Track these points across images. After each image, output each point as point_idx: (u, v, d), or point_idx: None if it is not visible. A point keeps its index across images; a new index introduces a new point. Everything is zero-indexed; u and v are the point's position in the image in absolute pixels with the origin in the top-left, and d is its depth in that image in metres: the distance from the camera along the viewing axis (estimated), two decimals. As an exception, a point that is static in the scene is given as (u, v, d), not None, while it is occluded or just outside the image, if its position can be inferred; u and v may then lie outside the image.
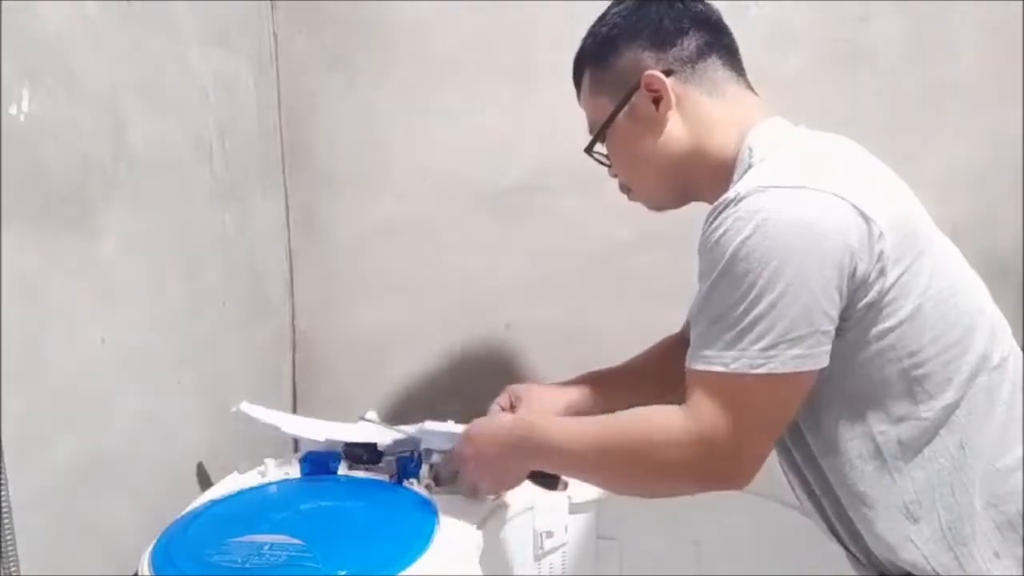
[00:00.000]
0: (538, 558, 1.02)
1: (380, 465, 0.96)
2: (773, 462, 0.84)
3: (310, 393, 1.39)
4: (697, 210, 0.79)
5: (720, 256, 0.66)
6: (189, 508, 0.87)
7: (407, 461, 0.93)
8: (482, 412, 0.95)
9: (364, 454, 0.97)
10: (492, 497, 0.90)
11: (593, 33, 0.84)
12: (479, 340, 1.35)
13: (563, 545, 1.03)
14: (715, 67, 0.80)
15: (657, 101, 0.79)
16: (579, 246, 1.31)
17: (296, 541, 0.76)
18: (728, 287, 0.66)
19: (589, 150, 0.86)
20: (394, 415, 1.34)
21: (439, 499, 0.88)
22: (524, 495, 0.93)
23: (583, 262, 1.32)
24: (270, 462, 0.97)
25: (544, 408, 0.95)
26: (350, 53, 1.29)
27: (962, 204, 1.24)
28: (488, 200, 1.31)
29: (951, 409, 0.70)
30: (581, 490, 1.00)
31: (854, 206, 0.65)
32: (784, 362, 0.64)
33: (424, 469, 0.92)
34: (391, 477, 0.94)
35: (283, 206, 1.34)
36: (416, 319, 1.35)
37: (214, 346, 1.08)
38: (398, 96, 1.30)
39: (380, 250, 1.34)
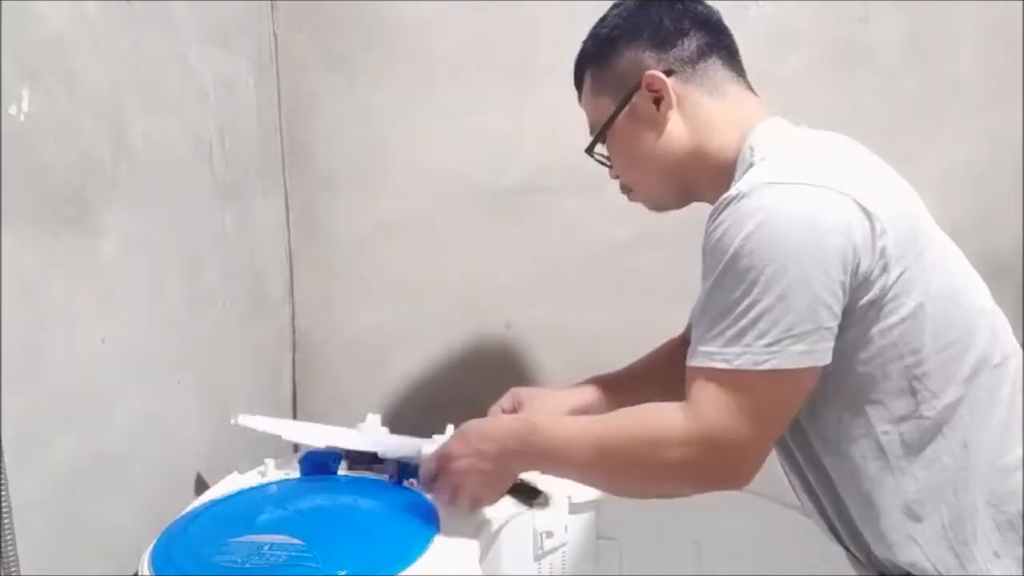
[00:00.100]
0: (538, 558, 1.02)
1: (380, 465, 0.96)
2: (773, 462, 0.84)
3: (310, 393, 1.39)
4: (697, 210, 0.79)
5: (723, 253, 0.66)
6: (189, 508, 0.87)
7: (407, 461, 0.93)
8: (482, 413, 0.95)
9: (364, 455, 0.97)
10: (469, 509, 0.83)
11: (594, 34, 0.84)
12: (479, 340, 1.35)
13: (563, 545, 1.03)
14: (716, 67, 0.80)
15: (658, 101, 0.79)
16: (579, 246, 1.31)
17: (296, 541, 0.76)
18: (731, 284, 0.65)
19: (590, 151, 0.86)
20: (394, 415, 1.35)
21: (439, 499, 0.88)
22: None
23: (583, 262, 1.32)
24: (270, 462, 0.97)
25: (548, 412, 0.94)
26: (350, 53, 1.29)
27: (962, 204, 1.24)
28: (488, 200, 1.31)
29: (953, 408, 0.69)
30: (581, 490, 1.01)
31: (857, 202, 0.65)
32: (788, 358, 0.64)
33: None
34: (391, 477, 0.94)
35: (283, 206, 1.34)
36: (416, 319, 1.35)
37: (214, 346, 1.08)
38: (398, 96, 1.30)
39: (380, 250, 1.34)
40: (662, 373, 0.99)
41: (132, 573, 0.77)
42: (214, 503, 0.88)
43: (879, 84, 1.25)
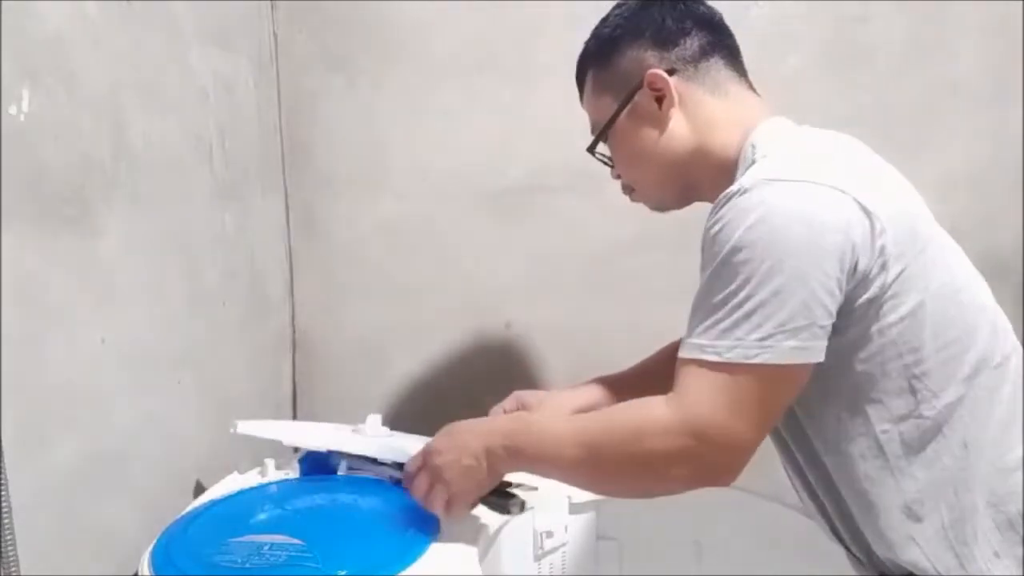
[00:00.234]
0: (538, 558, 1.02)
1: (380, 466, 0.96)
2: (774, 462, 0.84)
3: (310, 393, 1.39)
4: (698, 210, 0.79)
5: (721, 246, 0.66)
6: (189, 508, 0.87)
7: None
8: (483, 412, 0.95)
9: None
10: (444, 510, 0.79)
11: (596, 34, 0.85)
12: (479, 340, 1.35)
13: (563, 545, 1.03)
14: (717, 67, 0.80)
15: (660, 100, 0.79)
16: (579, 246, 1.31)
17: (296, 541, 0.76)
18: (727, 277, 0.65)
19: (592, 150, 0.86)
20: (394, 415, 1.35)
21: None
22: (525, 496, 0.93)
23: (583, 262, 1.32)
24: (270, 462, 0.97)
25: (547, 413, 0.94)
26: (350, 53, 1.29)
27: (962, 204, 1.24)
28: (488, 200, 1.31)
29: (953, 407, 0.69)
30: (581, 490, 1.01)
31: (856, 201, 0.65)
32: (780, 353, 0.64)
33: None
34: (391, 477, 0.94)
35: (283, 206, 1.34)
36: (416, 319, 1.35)
37: (214, 346, 1.08)
38: (398, 96, 1.30)
39: (380, 250, 1.34)
40: (666, 373, 0.99)
41: (132, 573, 0.77)
42: (214, 503, 0.88)
43: (879, 84, 1.25)
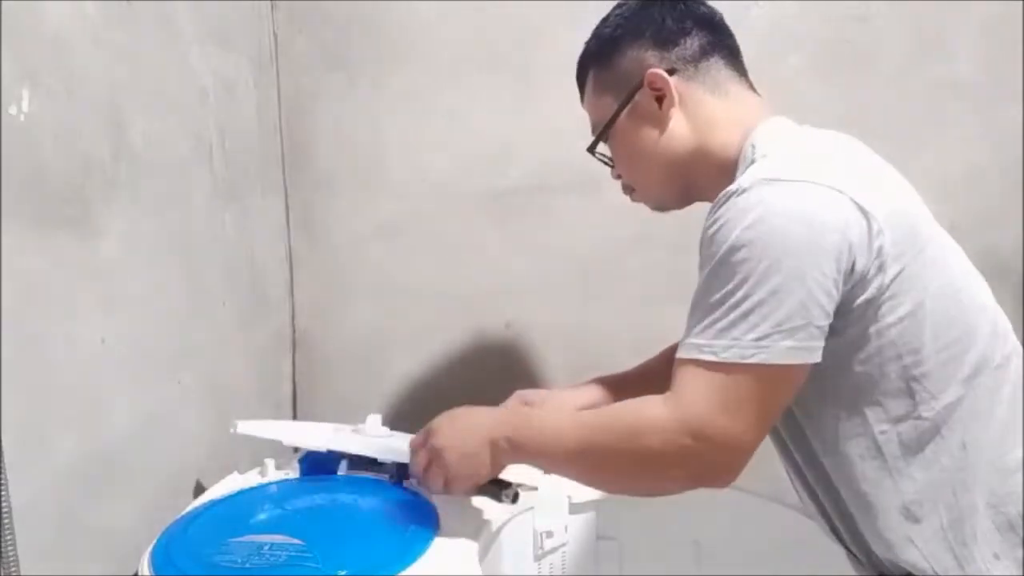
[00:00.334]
0: (538, 558, 1.02)
1: (380, 466, 0.96)
2: (773, 462, 0.84)
3: (310, 393, 1.39)
4: (698, 210, 0.79)
5: (719, 246, 0.66)
6: (189, 508, 0.87)
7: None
8: (482, 412, 0.95)
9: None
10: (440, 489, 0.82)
11: (597, 34, 0.85)
12: (479, 340, 1.35)
13: (563, 545, 1.03)
14: (718, 67, 0.80)
15: (660, 99, 0.79)
16: (579, 246, 1.31)
17: (296, 541, 0.76)
18: (725, 276, 0.65)
19: (592, 149, 0.86)
20: (394, 415, 1.35)
21: (439, 499, 0.88)
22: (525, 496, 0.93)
23: (583, 262, 1.32)
24: (270, 462, 0.97)
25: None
26: (350, 53, 1.29)
27: (962, 204, 1.24)
28: (488, 200, 1.31)
29: (952, 408, 0.69)
30: (581, 490, 1.01)
31: (854, 201, 0.65)
32: (776, 353, 0.64)
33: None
34: (391, 477, 0.94)
35: (283, 206, 1.34)
36: (416, 319, 1.35)
37: (214, 346, 1.08)
38: (398, 96, 1.30)
39: (380, 250, 1.34)
40: (667, 374, 0.98)
41: (132, 573, 0.77)
42: (214, 503, 0.88)
43: (879, 84, 1.25)
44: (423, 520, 0.82)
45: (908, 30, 1.24)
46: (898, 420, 0.70)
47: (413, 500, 0.88)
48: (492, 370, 1.34)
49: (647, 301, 1.28)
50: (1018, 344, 0.75)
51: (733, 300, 0.65)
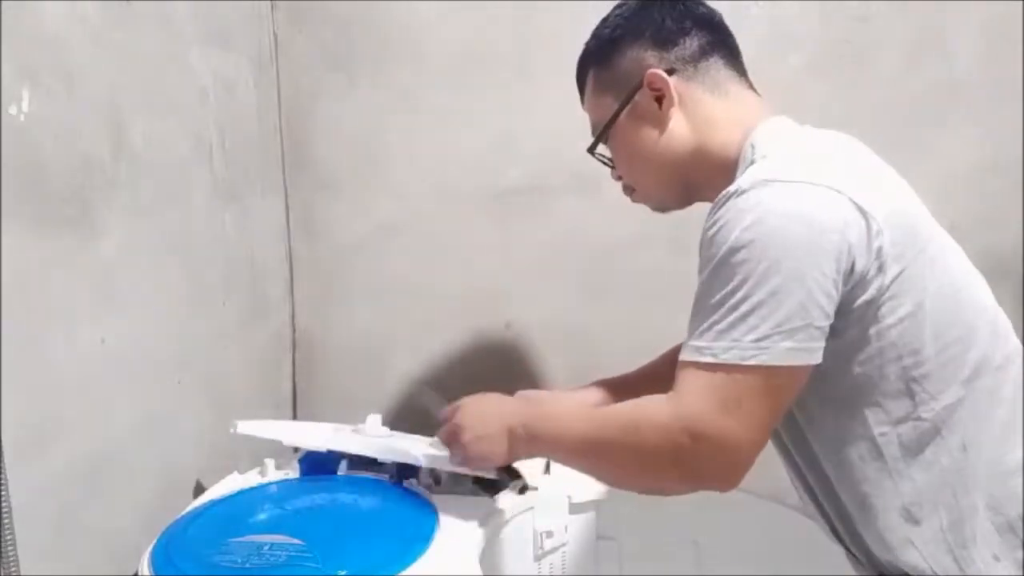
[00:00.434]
0: (538, 558, 1.02)
1: (380, 465, 0.96)
2: (774, 462, 0.84)
3: (310, 393, 1.39)
4: (697, 211, 0.79)
5: (718, 247, 0.66)
6: (189, 508, 0.87)
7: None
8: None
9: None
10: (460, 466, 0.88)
11: (596, 35, 0.85)
12: (479, 340, 1.35)
13: (563, 545, 1.03)
14: (717, 67, 0.80)
15: (660, 99, 0.79)
16: (579, 246, 1.31)
17: (296, 541, 0.76)
18: (724, 278, 0.65)
19: (592, 150, 0.86)
20: (394, 415, 1.35)
21: (439, 499, 0.88)
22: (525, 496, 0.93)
23: (583, 262, 1.32)
24: (270, 462, 0.97)
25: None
26: (350, 53, 1.29)
27: (962, 204, 1.24)
28: (488, 200, 1.31)
29: (952, 409, 0.69)
30: (581, 490, 1.01)
31: (853, 202, 0.65)
32: (776, 354, 0.64)
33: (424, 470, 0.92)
34: (391, 477, 0.94)
35: (283, 206, 1.34)
36: (416, 319, 1.35)
37: (214, 346, 1.08)
38: (398, 96, 1.30)
39: (380, 250, 1.34)
40: (669, 376, 0.98)
41: (132, 573, 0.77)
42: (214, 503, 0.88)
43: (879, 84, 1.25)
44: (423, 520, 0.82)
45: (908, 30, 1.24)
46: (898, 421, 0.70)
47: (413, 500, 0.88)
48: (492, 370, 1.34)
49: (647, 301, 1.28)
50: (1019, 344, 0.75)
51: (732, 301, 0.65)
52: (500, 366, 1.34)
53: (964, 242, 0.76)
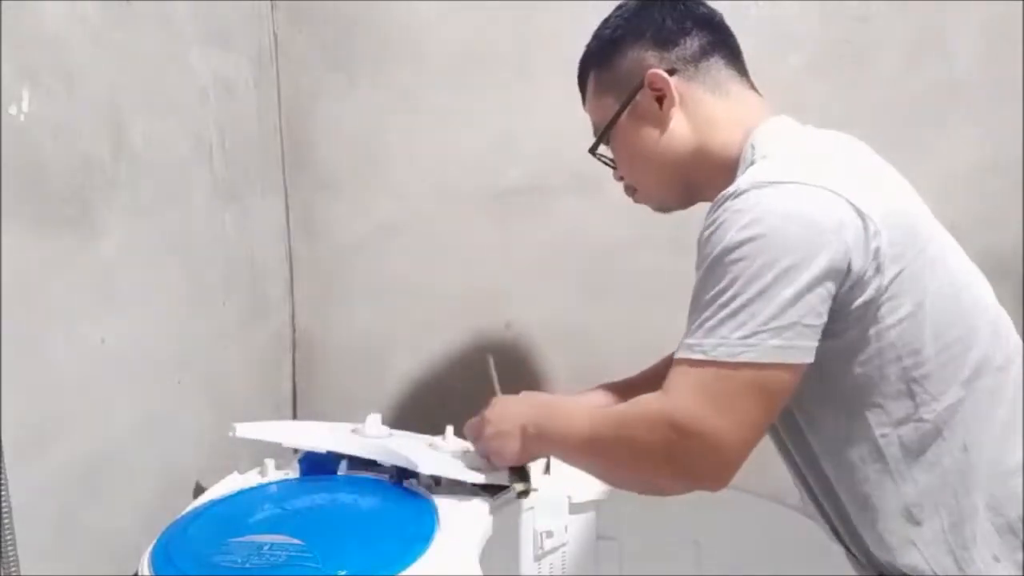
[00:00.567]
0: (538, 558, 1.02)
1: (380, 465, 0.96)
2: (773, 462, 0.84)
3: (310, 393, 1.39)
4: (697, 211, 0.79)
5: (713, 247, 0.66)
6: (189, 508, 0.87)
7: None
8: (482, 413, 0.95)
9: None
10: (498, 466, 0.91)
11: (597, 35, 0.85)
12: (479, 340, 1.35)
13: (563, 545, 1.03)
14: (718, 67, 0.80)
15: (661, 100, 0.79)
16: (579, 246, 1.31)
17: (296, 541, 0.76)
18: (717, 276, 0.66)
19: (593, 151, 0.86)
20: (394, 415, 1.35)
21: (439, 499, 0.88)
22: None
23: (583, 262, 1.32)
24: (270, 462, 0.97)
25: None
26: (350, 53, 1.29)
27: (962, 204, 1.23)
28: (488, 200, 1.31)
29: (953, 410, 0.69)
30: (581, 490, 1.01)
31: (850, 203, 0.65)
32: (764, 352, 0.64)
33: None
34: (391, 477, 0.94)
35: (283, 206, 1.34)
36: (416, 319, 1.35)
37: (214, 346, 1.08)
38: (398, 96, 1.30)
39: (380, 250, 1.34)
40: None
41: (132, 573, 0.77)
42: (214, 503, 0.88)
43: (879, 84, 1.25)
44: (423, 520, 0.82)
45: (908, 30, 1.24)
46: (899, 423, 0.70)
47: (413, 500, 0.88)
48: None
49: (647, 301, 1.28)
50: (1020, 345, 0.75)
51: (723, 299, 0.65)
52: (500, 366, 1.34)
53: (964, 242, 0.76)
